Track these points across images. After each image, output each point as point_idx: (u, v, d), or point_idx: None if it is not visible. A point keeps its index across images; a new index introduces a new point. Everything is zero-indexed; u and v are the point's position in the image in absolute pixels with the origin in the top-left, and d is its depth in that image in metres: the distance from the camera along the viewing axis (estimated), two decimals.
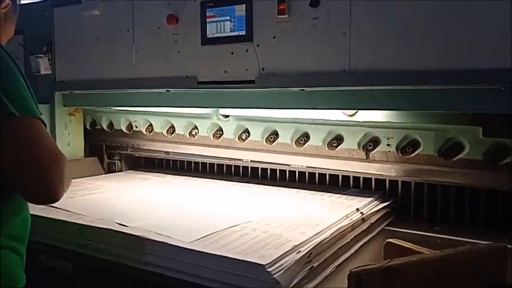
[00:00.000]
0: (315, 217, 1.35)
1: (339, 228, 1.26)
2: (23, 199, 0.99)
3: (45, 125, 0.96)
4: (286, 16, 1.34)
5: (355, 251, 1.27)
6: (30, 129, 0.92)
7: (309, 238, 1.14)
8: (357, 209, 1.43)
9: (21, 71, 0.97)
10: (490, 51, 1.09)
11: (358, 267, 0.90)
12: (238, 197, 1.65)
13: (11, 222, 1.01)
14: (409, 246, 1.06)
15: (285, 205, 1.52)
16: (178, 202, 1.58)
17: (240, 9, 1.43)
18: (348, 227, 1.31)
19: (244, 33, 1.43)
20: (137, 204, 1.52)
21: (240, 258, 1.00)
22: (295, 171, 1.84)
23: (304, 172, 1.81)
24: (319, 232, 1.20)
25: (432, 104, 1.23)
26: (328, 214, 1.38)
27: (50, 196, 0.92)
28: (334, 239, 1.21)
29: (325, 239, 1.16)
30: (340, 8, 1.26)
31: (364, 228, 1.38)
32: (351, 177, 1.71)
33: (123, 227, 1.21)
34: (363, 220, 1.41)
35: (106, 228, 1.20)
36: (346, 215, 1.37)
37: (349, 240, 1.27)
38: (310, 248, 1.09)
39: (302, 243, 1.11)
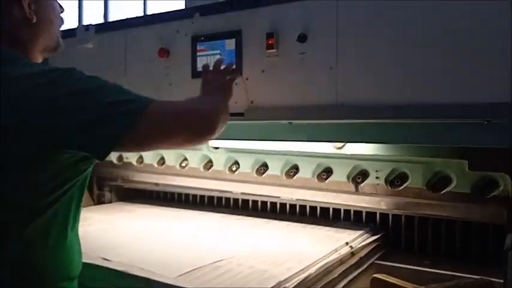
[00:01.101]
0: (303, 251, 1.33)
1: (326, 263, 1.24)
2: (66, 231, 0.95)
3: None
4: (274, 50, 1.37)
5: (343, 286, 1.24)
6: (156, 123, 0.90)
7: (295, 273, 1.13)
8: (346, 243, 1.42)
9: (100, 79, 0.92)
10: (476, 86, 1.11)
11: None
12: (227, 230, 1.64)
13: (54, 261, 0.95)
14: (395, 282, 1.04)
15: (273, 238, 1.50)
16: (165, 235, 1.56)
17: (230, 44, 1.46)
18: (336, 262, 1.29)
19: (234, 67, 1.45)
20: (123, 237, 1.50)
21: None
22: (285, 204, 1.83)
23: (295, 204, 1.81)
24: (305, 267, 1.18)
25: (419, 137, 1.24)
26: (316, 248, 1.36)
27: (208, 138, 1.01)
28: (320, 274, 1.20)
29: (311, 275, 1.14)
30: (327, 43, 1.28)
31: (353, 262, 1.36)
32: (341, 210, 1.71)
33: (106, 261, 1.19)
34: (352, 254, 1.39)
35: (89, 263, 1.18)
36: (335, 249, 1.35)
37: (337, 275, 1.25)
38: (296, 284, 1.08)
39: (287, 278, 1.09)
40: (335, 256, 1.30)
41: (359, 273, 1.34)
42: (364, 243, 1.46)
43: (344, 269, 1.29)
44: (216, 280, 1.08)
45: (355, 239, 1.47)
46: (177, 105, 0.99)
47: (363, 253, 1.43)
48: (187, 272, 1.12)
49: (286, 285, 1.06)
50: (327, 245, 1.39)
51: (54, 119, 0.84)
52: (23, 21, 0.98)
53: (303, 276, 1.12)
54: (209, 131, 0.99)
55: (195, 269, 1.15)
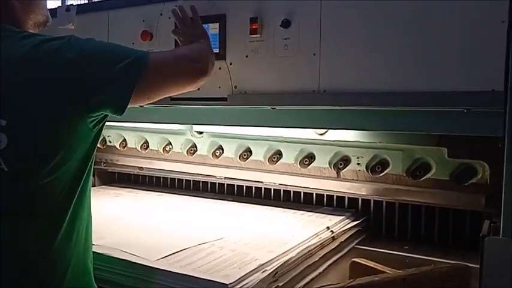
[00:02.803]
0: (285, 235, 1.35)
1: (307, 247, 1.26)
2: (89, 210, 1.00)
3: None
4: (258, 36, 1.36)
5: (323, 270, 1.26)
6: (161, 70, 1.02)
7: (276, 257, 1.15)
8: (327, 227, 1.44)
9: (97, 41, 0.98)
10: (454, 74, 1.12)
11: (320, 286, 0.90)
12: (210, 214, 1.65)
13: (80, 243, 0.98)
14: (374, 266, 1.06)
15: (256, 223, 1.52)
16: (148, 219, 1.56)
17: (214, 28, 1.44)
18: (317, 246, 1.31)
19: (218, 52, 1.43)
20: (107, 220, 1.50)
21: (204, 277, 0.99)
22: (268, 189, 1.84)
23: (278, 189, 1.82)
24: (286, 251, 1.20)
25: (399, 124, 1.25)
26: (298, 232, 1.38)
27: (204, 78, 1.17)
28: (301, 257, 1.21)
29: (291, 258, 1.16)
30: (311, 29, 1.28)
31: (334, 246, 1.38)
32: (324, 195, 1.73)
33: None
34: (333, 238, 1.41)
35: None
36: (316, 234, 1.37)
37: (318, 259, 1.27)
38: (276, 267, 1.09)
39: (268, 261, 1.11)
40: (316, 240, 1.32)
41: (339, 257, 1.37)
42: (344, 228, 1.49)
43: (324, 253, 1.32)
44: (197, 263, 1.09)
45: (336, 224, 1.49)
46: (171, 53, 1.15)
47: (343, 238, 1.45)
48: (169, 255, 1.13)
49: (267, 268, 1.07)
50: (309, 229, 1.41)
51: (73, 83, 0.89)
52: None
53: (284, 259, 1.14)
54: (204, 72, 1.15)
55: (177, 252, 1.16)
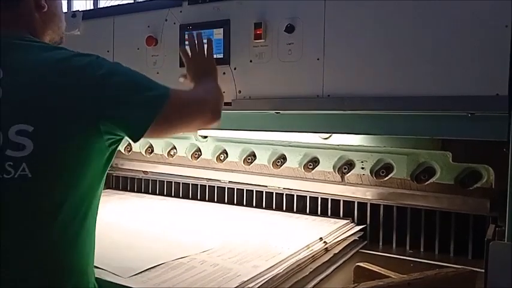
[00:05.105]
0: (276, 246, 1.30)
1: (296, 261, 1.18)
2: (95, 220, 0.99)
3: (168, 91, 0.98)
4: (262, 41, 1.37)
5: (315, 285, 1.19)
6: (173, 114, 0.99)
7: (261, 272, 1.08)
8: (320, 238, 1.38)
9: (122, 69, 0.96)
10: (459, 79, 1.12)
11: None
12: (208, 220, 1.63)
13: (85, 251, 0.96)
14: (378, 270, 1.06)
15: (250, 231, 1.48)
16: (138, 227, 1.52)
17: (218, 33, 1.45)
18: (308, 259, 1.24)
19: (222, 57, 1.44)
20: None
21: None
22: (271, 193, 1.84)
23: (282, 194, 1.82)
24: (273, 265, 1.13)
25: (403, 129, 1.25)
26: (289, 243, 1.32)
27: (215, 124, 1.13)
28: (290, 272, 1.14)
29: (278, 274, 1.09)
30: (314, 34, 1.29)
31: (326, 259, 1.31)
32: (328, 200, 1.72)
33: None
34: (326, 250, 1.35)
35: None
36: (307, 245, 1.30)
37: (308, 273, 1.20)
38: (261, 284, 1.03)
39: (252, 278, 1.04)
40: (307, 253, 1.25)
41: (333, 271, 1.29)
42: (339, 238, 1.43)
43: (316, 266, 1.24)
44: (173, 280, 1.02)
45: (332, 233, 1.44)
46: (192, 95, 1.14)
47: (337, 249, 1.38)
48: (143, 271, 1.07)
49: (250, 285, 1.01)
50: (302, 240, 1.34)
51: (97, 100, 0.89)
52: (36, 8, 1.02)
53: (269, 275, 1.07)
54: (218, 116, 1.14)
55: (154, 266, 1.10)
